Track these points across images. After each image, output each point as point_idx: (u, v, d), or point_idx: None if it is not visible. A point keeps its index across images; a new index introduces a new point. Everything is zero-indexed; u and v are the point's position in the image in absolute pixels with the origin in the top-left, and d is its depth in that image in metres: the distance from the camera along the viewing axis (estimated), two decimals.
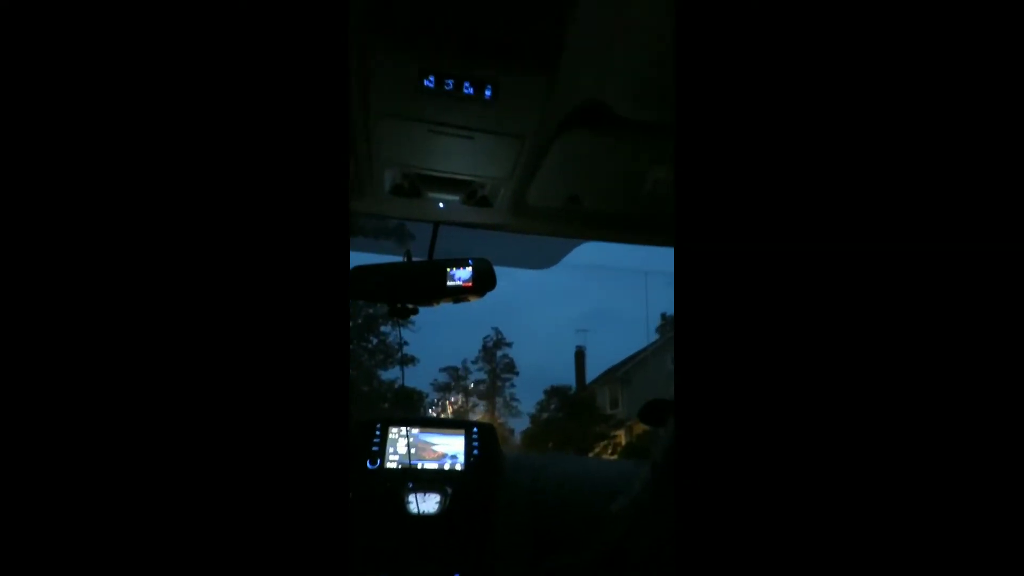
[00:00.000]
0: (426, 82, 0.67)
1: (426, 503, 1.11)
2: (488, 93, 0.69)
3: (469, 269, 1.07)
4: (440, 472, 1.18)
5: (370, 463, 1.16)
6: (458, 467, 1.19)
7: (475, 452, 1.21)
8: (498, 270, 1.11)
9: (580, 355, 16.54)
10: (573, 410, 13.55)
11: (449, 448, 1.22)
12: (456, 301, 1.11)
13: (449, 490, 1.14)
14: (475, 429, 1.25)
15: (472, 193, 0.95)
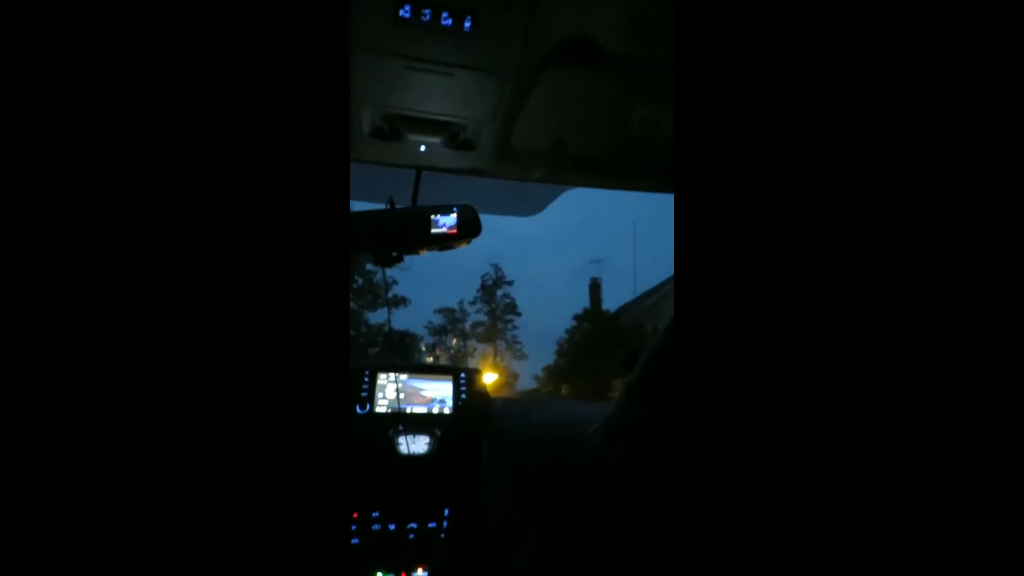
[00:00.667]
0: (402, 12, 0.63)
1: (416, 444, 1.15)
2: (467, 25, 0.65)
3: (454, 216, 1.05)
4: (429, 415, 1.21)
5: (360, 408, 1.19)
6: (446, 411, 1.23)
7: (463, 396, 1.24)
8: (485, 224, 1.10)
9: (595, 287, 15.32)
10: (601, 341, 11.95)
11: (437, 393, 1.25)
12: (441, 248, 1.10)
13: (438, 432, 1.17)
14: (462, 375, 1.28)
15: (454, 135, 0.92)
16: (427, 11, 0.63)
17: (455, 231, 1.06)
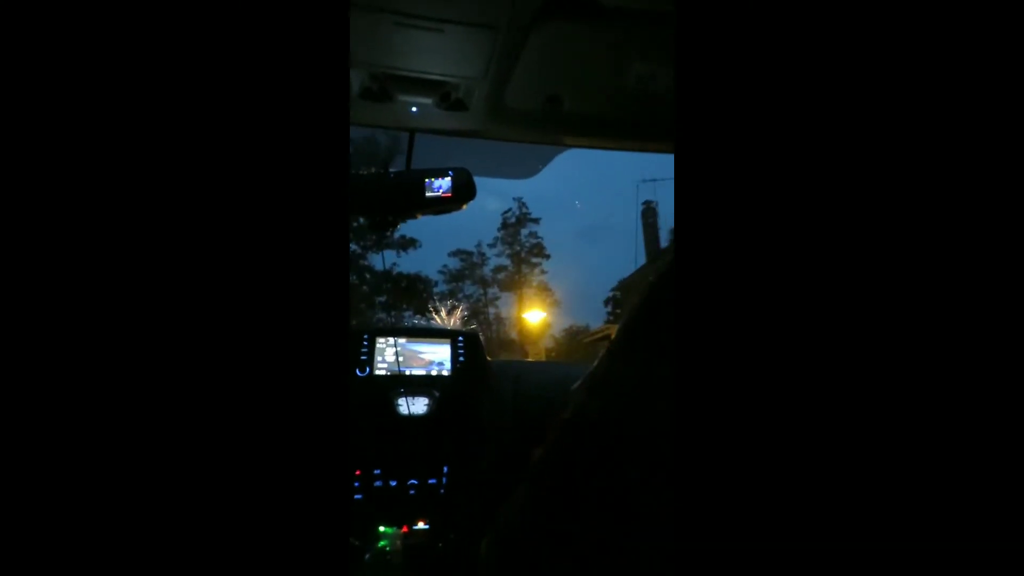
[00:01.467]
0: None
1: (415, 405, 1.18)
2: None
3: (448, 179, 1.04)
4: (428, 378, 1.24)
5: (359, 371, 1.21)
6: (445, 373, 1.25)
7: (461, 359, 1.27)
8: (484, 187, 1.09)
9: (651, 214, 12.20)
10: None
11: (436, 356, 1.27)
12: (437, 213, 1.10)
13: (436, 393, 1.20)
14: (460, 338, 1.30)
15: (446, 95, 0.90)
16: None
17: (450, 195, 1.05)
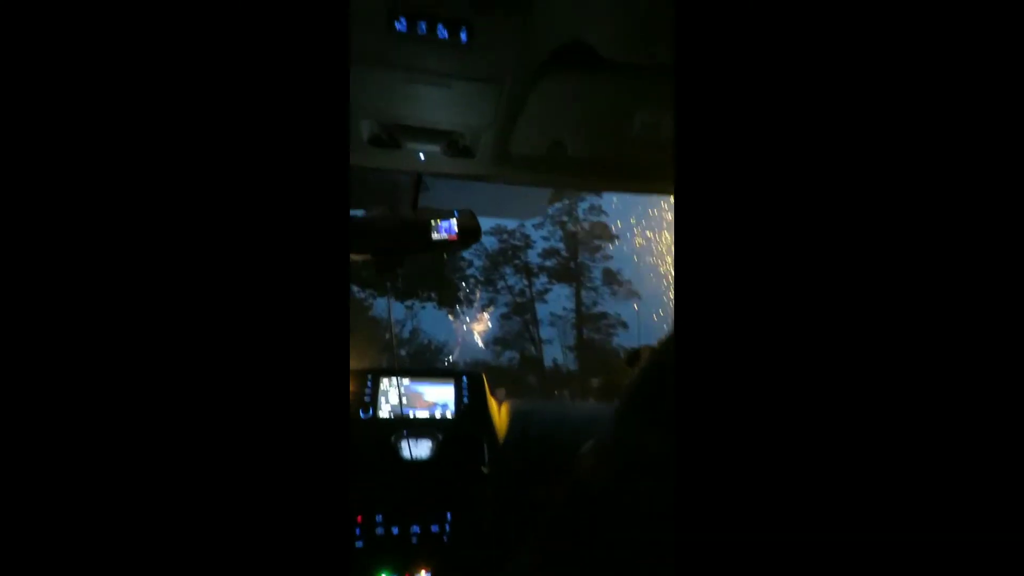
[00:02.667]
0: (397, 25, 0.64)
1: (418, 448, 1.16)
2: (463, 36, 0.66)
3: (453, 221, 1.06)
4: (431, 420, 1.22)
5: (363, 412, 1.19)
6: (449, 414, 1.23)
7: (465, 400, 1.25)
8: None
9: None
10: None
11: (439, 397, 1.25)
12: (441, 252, 1.11)
13: (440, 436, 1.18)
14: (464, 378, 1.29)
15: (453, 143, 0.92)
16: (422, 24, 0.64)
17: (455, 236, 1.06)
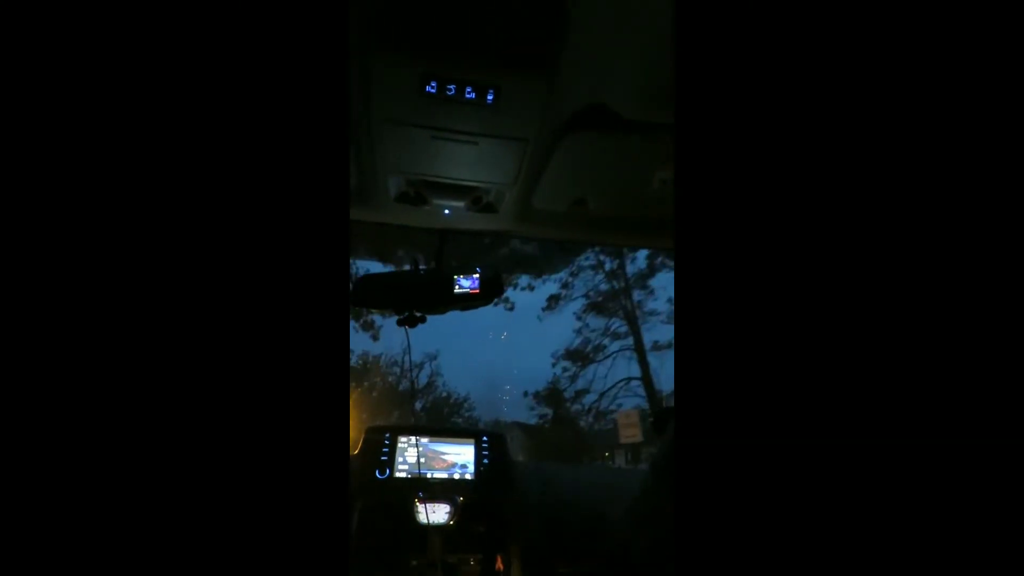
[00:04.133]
0: (428, 88, 0.67)
1: (435, 513, 1.10)
2: (490, 98, 0.69)
3: (476, 277, 1.06)
4: (450, 481, 1.17)
5: (379, 472, 1.15)
6: (468, 476, 1.18)
7: (485, 461, 1.20)
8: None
9: None
10: None
11: (459, 458, 1.21)
12: (464, 309, 1.11)
13: (459, 499, 1.12)
14: (485, 438, 1.24)
15: (477, 199, 0.94)
16: (452, 86, 0.67)
17: (477, 291, 1.06)
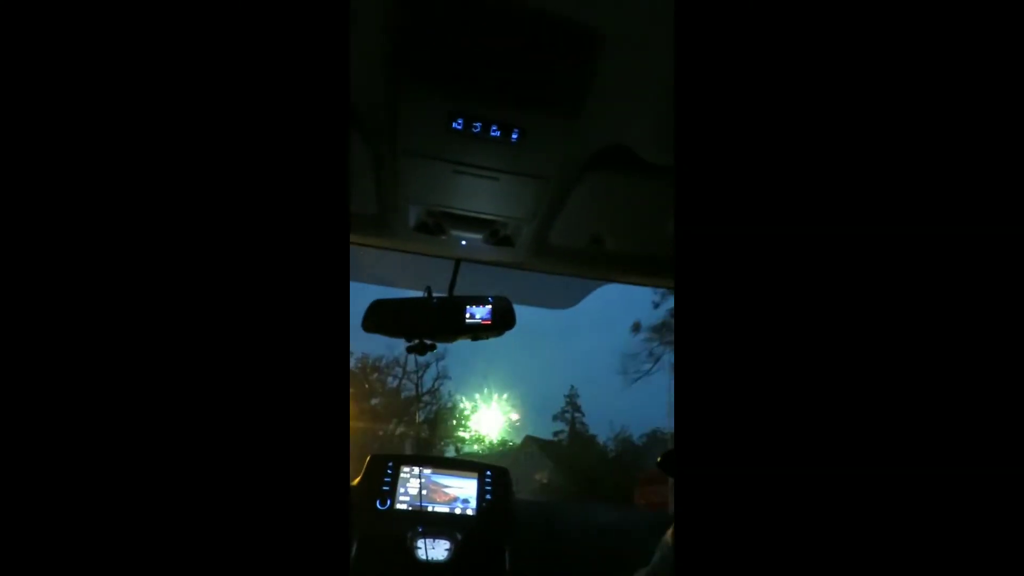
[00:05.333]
0: (455, 124, 0.69)
1: (435, 550, 1.07)
2: (515, 136, 0.70)
3: (488, 307, 1.06)
4: (451, 516, 1.14)
5: (380, 503, 1.13)
6: (469, 511, 1.15)
7: (488, 497, 1.17)
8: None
9: None
10: None
11: (462, 491, 1.18)
12: (475, 339, 1.10)
13: (459, 536, 1.09)
14: (488, 472, 1.21)
15: (495, 232, 0.95)
16: (477, 124, 0.69)
17: (489, 321, 1.06)
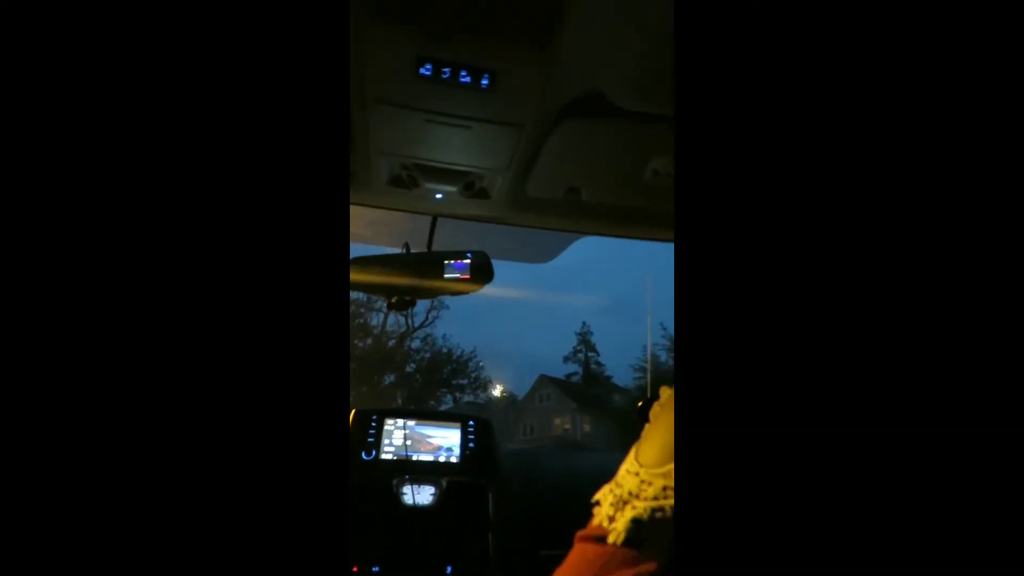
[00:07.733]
0: (422, 70, 0.67)
1: (421, 495, 1.12)
2: (485, 82, 0.68)
3: (467, 261, 1.07)
4: (435, 464, 1.18)
5: (365, 453, 1.16)
6: (453, 459, 1.20)
7: (471, 445, 1.21)
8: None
9: None
10: None
11: (445, 441, 1.22)
12: (454, 293, 1.11)
13: (444, 482, 1.14)
14: (471, 422, 1.25)
15: (470, 184, 0.94)
16: (447, 70, 0.67)
17: (468, 276, 1.07)
